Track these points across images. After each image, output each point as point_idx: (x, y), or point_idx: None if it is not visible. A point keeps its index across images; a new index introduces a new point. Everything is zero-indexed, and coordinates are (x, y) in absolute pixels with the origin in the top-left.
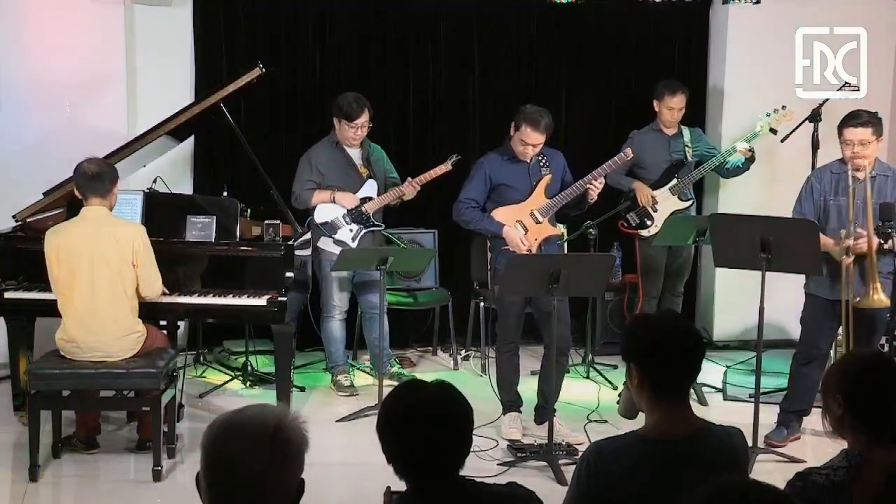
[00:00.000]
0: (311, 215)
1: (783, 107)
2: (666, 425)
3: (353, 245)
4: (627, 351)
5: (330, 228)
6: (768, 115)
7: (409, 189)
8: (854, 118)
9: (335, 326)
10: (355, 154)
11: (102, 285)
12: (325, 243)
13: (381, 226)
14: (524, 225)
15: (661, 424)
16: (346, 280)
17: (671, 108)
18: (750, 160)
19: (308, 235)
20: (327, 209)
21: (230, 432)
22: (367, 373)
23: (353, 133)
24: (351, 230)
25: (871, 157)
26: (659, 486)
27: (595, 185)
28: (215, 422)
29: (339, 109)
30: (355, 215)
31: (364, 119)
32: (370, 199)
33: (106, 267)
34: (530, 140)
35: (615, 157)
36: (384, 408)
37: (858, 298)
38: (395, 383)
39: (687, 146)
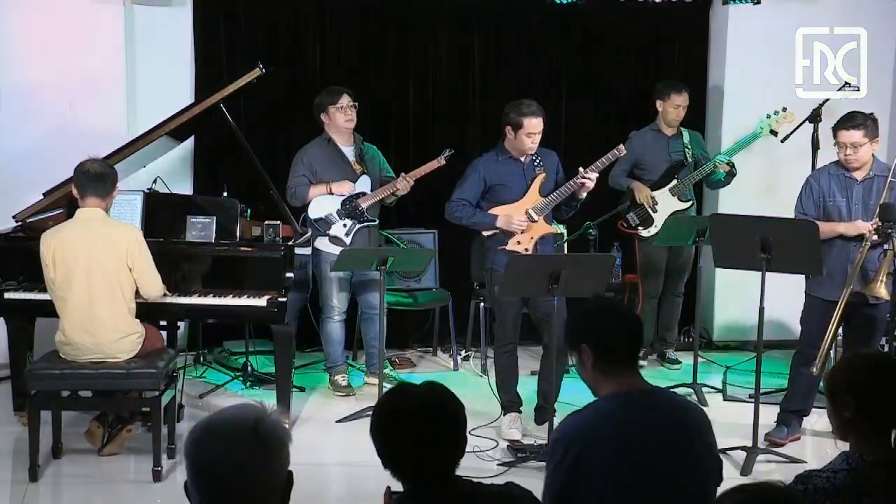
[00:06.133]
0: (306, 212)
1: (784, 109)
2: (624, 387)
3: (348, 240)
4: (577, 336)
5: (324, 224)
6: (769, 116)
7: (403, 184)
8: (847, 121)
9: (334, 327)
10: (348, 151)
11: (99, 287)
12: (322, 243)
13: (374, 221)
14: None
15: (619, 387)
16: (346, 281)
17: (678, 105)
18: (730, 175)
19: (308, 234)
20: (321, 205)
21: (211, 434)
22: (363, 371)
23: (344, 116)
24: (345, 225)
25: (864, 158)
26: (631, 430)
27: (588, 179)
28: (195, 427)
29: (322, 99)
30: (349, 210)
31: (347, 100)
32: (364, 194)
33: (102, 269)
34: (536, 129)
35: (608, 154)
36: (375, 412)
37: (868, 284)
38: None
39: (687, 147)
